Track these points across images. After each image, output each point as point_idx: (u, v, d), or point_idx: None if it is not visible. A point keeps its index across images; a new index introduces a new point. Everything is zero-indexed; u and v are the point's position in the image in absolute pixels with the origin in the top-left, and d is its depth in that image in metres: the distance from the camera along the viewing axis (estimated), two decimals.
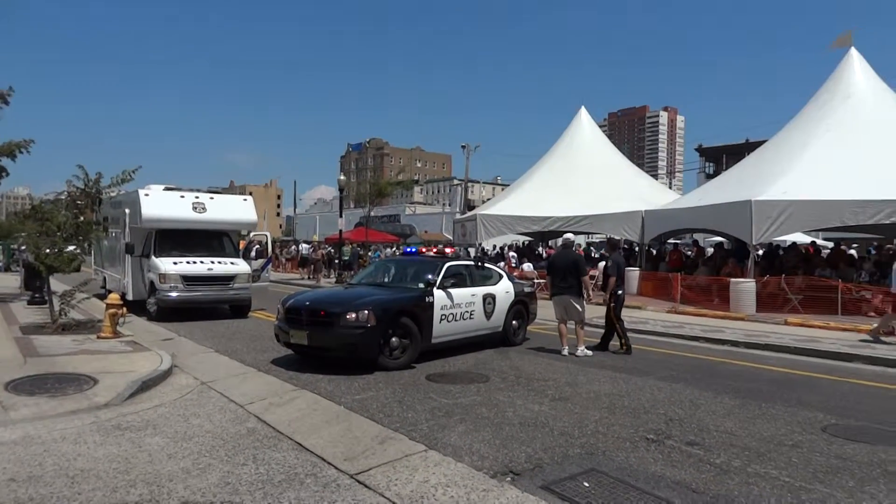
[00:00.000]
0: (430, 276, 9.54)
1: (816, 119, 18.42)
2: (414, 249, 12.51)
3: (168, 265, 13.96)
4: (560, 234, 27.11)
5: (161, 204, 15.03)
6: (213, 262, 14.62)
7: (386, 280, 10.59)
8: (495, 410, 6.52)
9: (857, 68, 19.06)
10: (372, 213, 35.50)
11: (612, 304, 10.67)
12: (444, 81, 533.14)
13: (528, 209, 23.22)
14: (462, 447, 5.30)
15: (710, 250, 22.66)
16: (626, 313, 15.95)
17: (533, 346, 10.96)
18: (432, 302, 9.19)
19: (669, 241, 27.28)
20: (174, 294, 13.84)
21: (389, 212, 67.06)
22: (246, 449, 5.23)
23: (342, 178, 29.98)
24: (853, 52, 19.45)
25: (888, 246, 22.92)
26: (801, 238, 24.84)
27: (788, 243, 23.60)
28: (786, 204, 15.64)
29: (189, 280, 13.99)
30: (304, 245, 40.38)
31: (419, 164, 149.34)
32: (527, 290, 11.70)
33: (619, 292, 10.71)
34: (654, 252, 24.16)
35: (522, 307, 11.29)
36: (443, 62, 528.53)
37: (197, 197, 15.73)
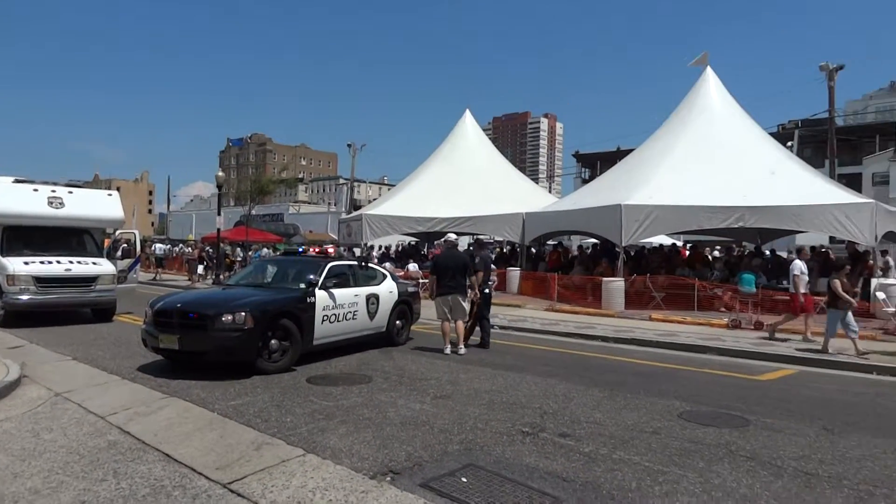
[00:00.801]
0: (311, 277, 9.34)
1: (677, 131, 20.01)
2: (301, 249, 12.22)
3: (17, 265, 12.66)
4: (445, 234, 27.61)
5: (9, 198, 13.61)
6: (71, 262, 13.42)
7: (266, 281, 10.24)
8: (377, 411, 6.50)
9: (711, 86, 20.89)
10: (253, 212, 34.23)
11: (478, 300, 11.09)
12: (332, 79, 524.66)
13: (414, 210, 23.38)
14: (342, 449, 5.24)
15: (576, 251, 23.97)
16: (506, 311, 16.62)
17: (416, 345, 11.04)
18: (314, 302, 9.00)
19: (549, 242, 28.55)
20: (24, 297, 12.57)
21: (272, 210, 64.92)
22: (106, 463, 4.86)
23: (221, 174, 28.63)
24: (709, 71, 21.31)
25: (738, 248, 25.37)
26: (665, 240, 26.84)
27: (654, 245, 25.48)
28: (651, 208, 16.86)
29: (43, 282, 12.76)
30: (159, 245, 38.13)
31: (304, 162, 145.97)
32: (410, 290, 11.77)
33: (486, 290, 11.16)
34: (535, 252, 25.18)
35: (406, 307, 11.34)
36: (331, 58, 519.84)
37: (53, 191, 14.41)
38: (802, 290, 12.43)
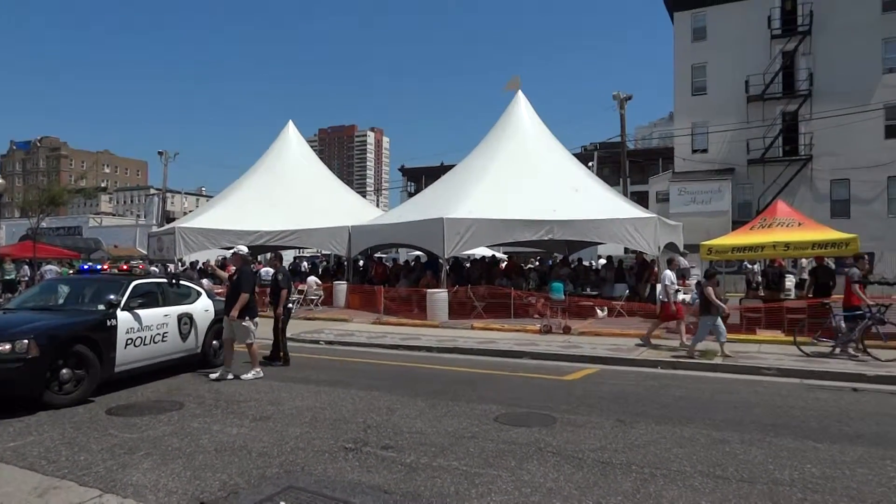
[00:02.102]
0: (112, 297, 8.47)
1: (494, 149, 21.24)
2: (92, 267, 10.96)
3: None
4: (269, 248, 26.56)
5: None
6: None
7: (57, 302, 9.08)
8: (188, 439, 6.05)
9: (523, 108, 22.48)
10: (43, 224, 30.29)
11: (283, 317, 10.88)
12: (143, 81, 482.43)
13: (234, 223, 22.23)
14: (146, 485, 4.79)
15: (391, 264, 24.44)
16: (333, 326, 16.42)
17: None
18: (115, 325, 8.17)
19: (377, 255, 28.73)
20: None
21: (68, 223, 57.93)
22: None
23: (1, 181, 24.96)
24: (520, 94, 22.93)
25: (550, 259, 27.48)
26: (485, 251, 28.28)
27: (476, 256, 26.76)
28: (471, 222, 17.69)
29: None
30: None
31: (108, 170, 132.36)
32: None
33: (290, 305, 11.02)
34: (362, 266, 25.20)
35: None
36: (140, 60, 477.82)
37: None
38: (673, 299, 12.93)
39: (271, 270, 22.59)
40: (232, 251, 10.22)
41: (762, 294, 16.40)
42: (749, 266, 21.89)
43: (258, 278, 15.48)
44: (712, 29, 35.27)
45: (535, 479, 4.94)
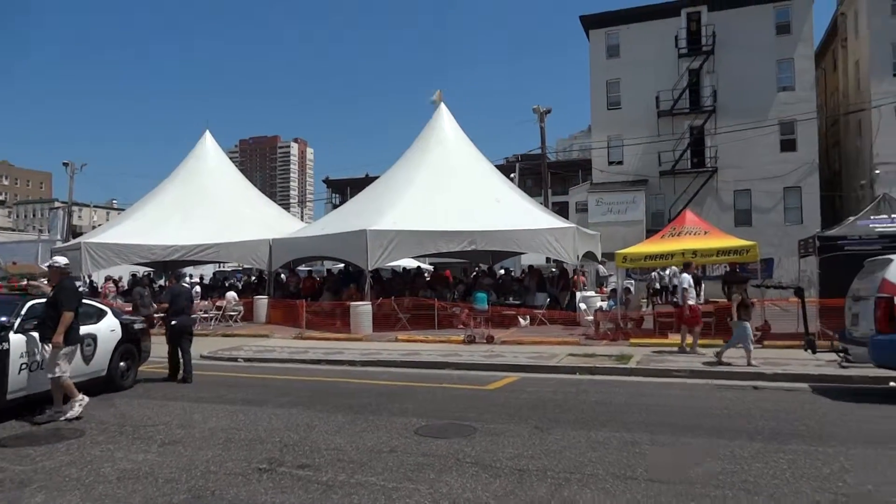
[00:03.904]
0: (4, 319, 7.88)
1: (417, 161, 21.33)
2: None
3: None
4: (184, 263, 25.51)
5: None
6: None
7: None
8: (88, 469, 5.68)
9: (446, 121, 22.72)
10: None
11: (167, 333, 10.62)
12: (54, 93, 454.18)
13: (146, 237, 21.23)
14: None
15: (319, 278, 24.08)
16: (252, 342, 15.96)
17: (145, 388, 9.97)
18: (7, 349, 7.59)
19: (300, 268, 28.14)
20: None
21: None
22: None
23: None
24: (443, 107, 23.15)
25: (474, 270, 27.75)
26: (410, 263, 28.26)
27: (401, 268, 26.71)
28: (394, 233, 17.65)
29: None
30: None
31: (6, 182, 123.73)
32: (137, 326, 10.59)
33: (174, 322, 10.60)
34: (285, 279, 24.62)
35: (133, 346, 10.18)
36: (46, 66, 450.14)
37: None
38: (690, 302, 12.77)
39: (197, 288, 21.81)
40: (48, 264, 8.65)
41: (675, 300, 17.16)
42: (661, 273, 22.88)
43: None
44: (625, 47, 36.90)
45: (453, 491, 4.94)
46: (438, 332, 16.67)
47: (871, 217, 13.99)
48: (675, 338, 14.39)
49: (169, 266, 26.55)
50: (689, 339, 12.88)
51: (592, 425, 7.02)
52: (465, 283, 21.84)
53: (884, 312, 8.16)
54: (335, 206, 54.07)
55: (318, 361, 12.97)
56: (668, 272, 21.79)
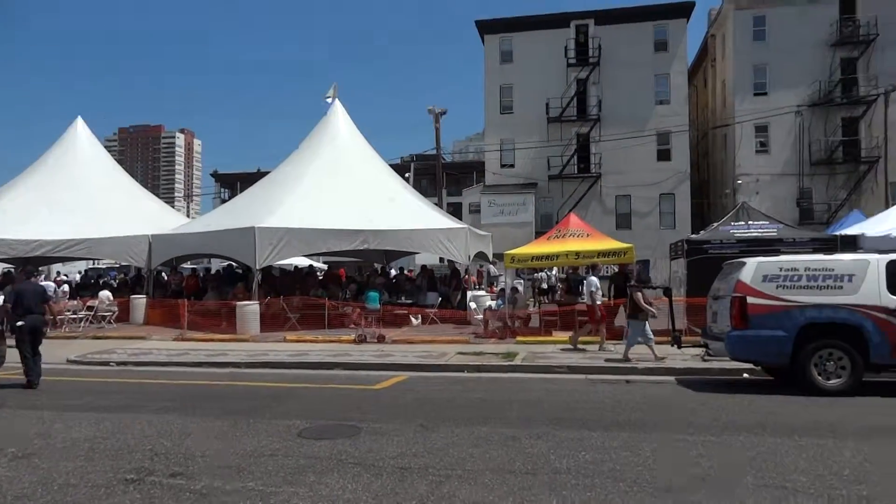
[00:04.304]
0: None
1: (310, 156, 20.87)
2: None
3: None
4: (49, 260, 23.50)
5: None
6: None
7: None
8: None
9: (340, 117, 22.40)
10: None
11: (15, 335, 9.83)
12: None
13: (5, 231, 19.35)
14: None
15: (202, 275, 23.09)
16: (127, 345, 14.99)
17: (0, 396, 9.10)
18: None
19: (185, 265, 26.75)
20: None
21: None
22: None
23: None
24: (338, 103, 22.82)
25: (368, 268, 27.59)
26: (303, 261, 27.65)
27: (293, 266, 26.04)
28: (284, 231, 17.19)
29: None
30: None
31: None
32: None
33: (20, 323, 9.78)
34: (166, 278, 23.29)
35: None
36: None
37: None
38: (598, 302, 13.30)
39: (52, 285, 20.08)
40: None
41: (561, 299, 17.95)
42: (548, 273, 23.84)
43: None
44: (518, 53, 38.11)
45: (334, 493, 4.90)
46: (329, 331, 16.43)
47: (732, 223, 15.32)
48: (558, 335, 15.05)
49: (32, 262, 24.35)
50: (598, 336, 13.46)
51: (476, 422, 7.19)
52: (357, 282, 21.65)
53: (738, 310, 8.97)
54: (224, 202, 51.85)
55: (200, 364, 12.40)
56: (553, 273, 22.72)
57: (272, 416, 7.66)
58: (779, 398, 8.47)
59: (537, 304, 21.10)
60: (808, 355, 8.62)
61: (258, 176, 45.11)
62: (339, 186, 19.33)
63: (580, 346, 13.30)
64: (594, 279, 13.73)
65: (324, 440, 6.45)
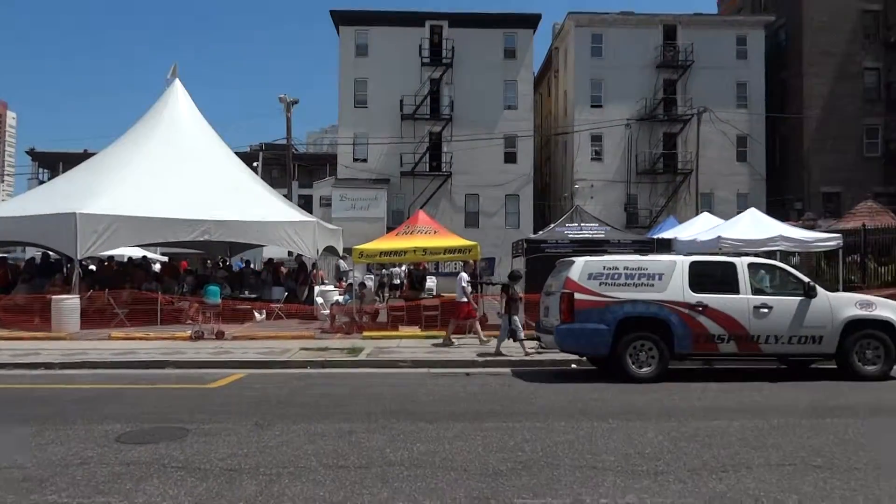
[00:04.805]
0: None
1: (145, 138, 19.28)
2: None
3: None
4: None
5: None
6: None
7: None
8: None
9: (181, 99, 20.94)
10: None
11: None
12: None
13: None
14: None
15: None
16: None
17: None
18: None
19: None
20: None
21: None
22: None
23: None
24: (178, 83, 21.30)
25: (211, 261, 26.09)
26: (136, 252, 25.49)
27: (126, 258, 23.91)
28: (111, 219, 15.77)
29: None
30: None
31: None
32: None
33: None
34: None
35: None
36: None
37: None
38: (465, 299, 13.31)
39: None
40: None
41: (406, 294, 18.21)
42: (395, 269, 24.06)
43: None
44: (374, 48, 37.99)
45: (152, 500, 4.59)
46: (162, 328, 15.36)
47: (566, 225, 16.49)
48: (405, 329, 15.27)
49: None
50: (467, 331, 13.80)
51: (314, 418, 7.09)
52: (196, 275, 20.41)
53: (566, 305, 9.67)
54: (42, 183, 46.41)
55: (4, 366, 11.01)
56: (402, 268, 22.99)
57: (87, 420, 7.00)
58: (599, 386, 9.26)
59: (384, 300, 21.24)
60: (624, 346, 9.50)
61: (84, 157, 40.90)
62: (177, 172, 18.07)
63: (453, 338, 13.52)
64: (464, 275, 14.09)
65: (145, 444, 6.01)
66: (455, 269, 25.93)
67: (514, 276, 12.93)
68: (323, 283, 20.04)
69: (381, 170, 37.25)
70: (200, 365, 11.20)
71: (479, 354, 12.00)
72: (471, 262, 15.84)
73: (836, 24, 36.58)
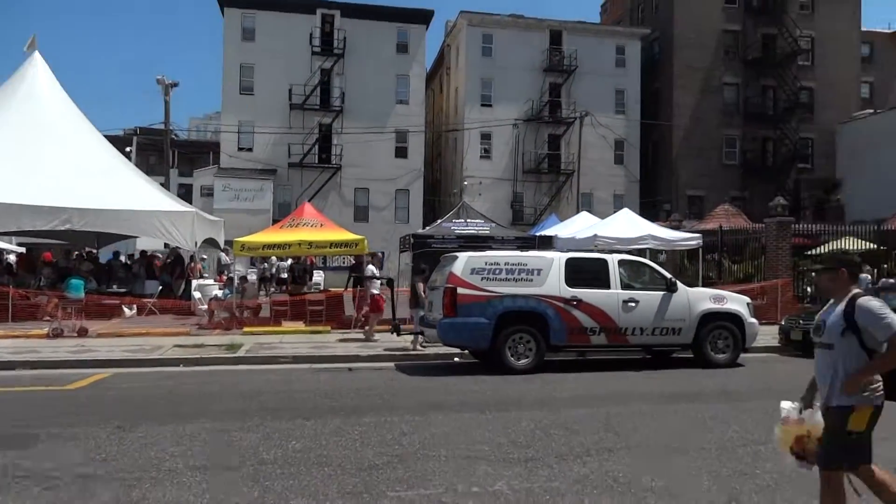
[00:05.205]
0: None
1: None
2: None
3: None
4: None
5: None
6: None
7: None
8: None
9: (41, 75, 19.06)
10: None
11: None
12: None
13: None
14: None
15: None
16: None
17: None
18: None
19: None
20: None
21: None
22: None
23: None
24: (38, 57, 19.39)
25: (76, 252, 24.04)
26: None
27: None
28: None
29: None
30: None
31: None
32: None
33: None
34: None
35: None
36: None
37: None
38: (375, 291, 13.17)
39: None
40: None
41: (290, 288, 17.77)
42: (282, 262, 23.43)
43: None
44: (261, 33, 36.58)
45: None
46: (14, 325, 13.99)
47: (453, 221, 16.74)
48: (288, 325, 14.90)
49: None
50: (368, 326, 13.50)
51: (184, 418, 6.75)
52: (57, 267, 18.76)
53: (449, 300, 9.83)
54: None
55: None
56: (287, 262, 22.40)
57: None
58: (479, 378, 9.50)
59: (269, 294, 20.64)
60: (504, 339, 9.81)
61: None
62: (36, 154, 16.43)
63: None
64: (372, 268, 13.97)
65: None
66: (344, 263, 25.65)
67: (417, 271, 13.02)
68: (201, 277, 19.09)
69: (268, 160, 36.00)
70: (59, 365, 10.33)
71: (385, 349, 12.05)
72: (379, 254, 15.81)
73: (701, 41, 39.69)
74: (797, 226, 19.80)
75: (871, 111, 39.54)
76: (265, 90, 36.03)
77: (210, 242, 20.63)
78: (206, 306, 15.77)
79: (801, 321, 11.62)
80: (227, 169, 35.38)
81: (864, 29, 43.54)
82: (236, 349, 11.64)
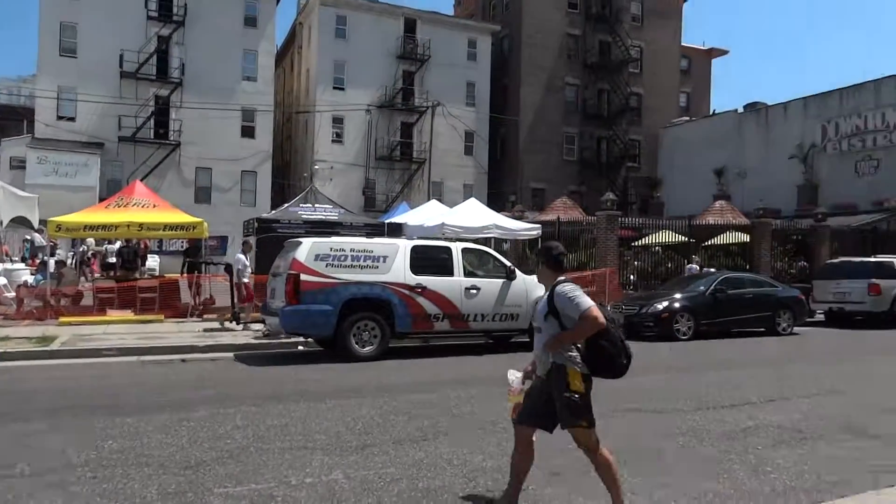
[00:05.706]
0: None
1: None
2: None
3: None
4: None
5: None
6: None
7: None
8: None
9: None
10: None
11: None
12: None
13: None
14: None
15: None
16: None
17: None
18: None
19: None
20: None
21: None
22: None
23: None
24: None
25: None
26: None
27: None
28: None
29: None
30: None
31: None
32: None
33: None
34: None
35: None
36: None
37: None
38: (245, 280, 12.70)
39: None
40: None
41: (117, 274, 16.29)
42: (111, 245, 21.39)
43: None
44: None
45: None
46: None
47: (301, 205, 16.30)
48: (114, 314, 13.68)
49: None
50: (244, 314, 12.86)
51: None
52: None
53: (292, 287, 9.55)
54: None
55: None
56: (116, 245, 20.49)
57: None
58: (322, 366, 9.37)
59: (93, 281, 18.75)
60: (348, 327, 9.74)
61: None
62: None
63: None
64: (241, 256, 13.17)
65: None
66: (182, 247, 23.96)
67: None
68: (9, 261, 16.90)
69: (94, 132, 32.56)
70: None
71: (255, 338, 11.70)
72: (249, 241, 14.83)
73: (546, 42, 41.96)
74: (624, 219, 21.69)
75: (687, 118, 44.40)
76: (91, 53, 32.45)
77: (20, 221, 18.31)
78: (13, 294, 13.99)
79: (623, 307, 12.78)
80: (43, 139, 31.50)
81: (684, 44, 48.57)
82: (50, 342, 10.47)
